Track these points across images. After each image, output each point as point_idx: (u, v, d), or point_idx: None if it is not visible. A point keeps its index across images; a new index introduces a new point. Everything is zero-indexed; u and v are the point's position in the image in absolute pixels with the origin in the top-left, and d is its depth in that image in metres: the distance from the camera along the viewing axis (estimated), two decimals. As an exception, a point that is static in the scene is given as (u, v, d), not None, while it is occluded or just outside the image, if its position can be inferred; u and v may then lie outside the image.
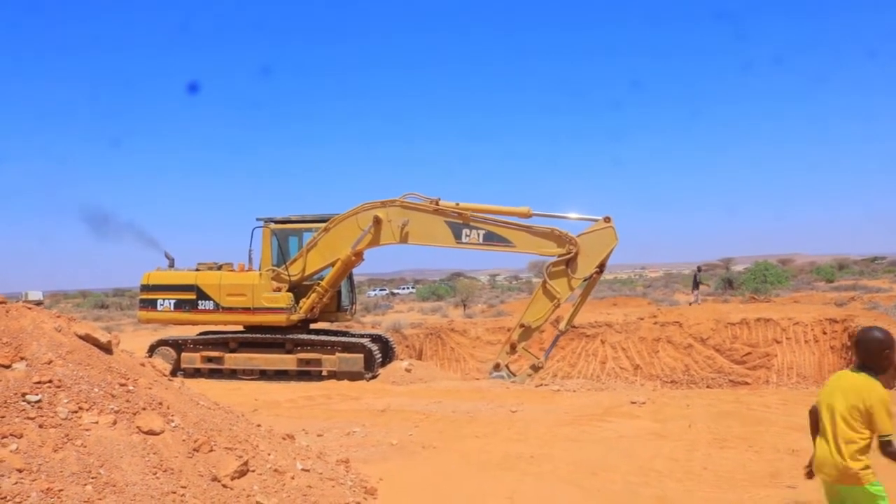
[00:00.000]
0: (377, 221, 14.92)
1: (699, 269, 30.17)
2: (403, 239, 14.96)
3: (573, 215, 14.76)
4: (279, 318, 15.57)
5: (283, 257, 15.92)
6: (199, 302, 15.85)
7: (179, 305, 15.97)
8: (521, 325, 14.86)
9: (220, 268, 16.51)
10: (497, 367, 15.05)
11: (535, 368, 14.93)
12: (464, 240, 14.64)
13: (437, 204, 14.74)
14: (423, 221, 14.91)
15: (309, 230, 16.06)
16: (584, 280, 14.70)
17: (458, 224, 14.66)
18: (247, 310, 15.69)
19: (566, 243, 14.31)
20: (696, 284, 27.72)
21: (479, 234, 14.60)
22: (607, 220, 14.24)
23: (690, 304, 26.79)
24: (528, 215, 14.61)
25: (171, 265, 16.81)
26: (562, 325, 15.56)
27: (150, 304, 16.17)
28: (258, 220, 16.19)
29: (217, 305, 15.77)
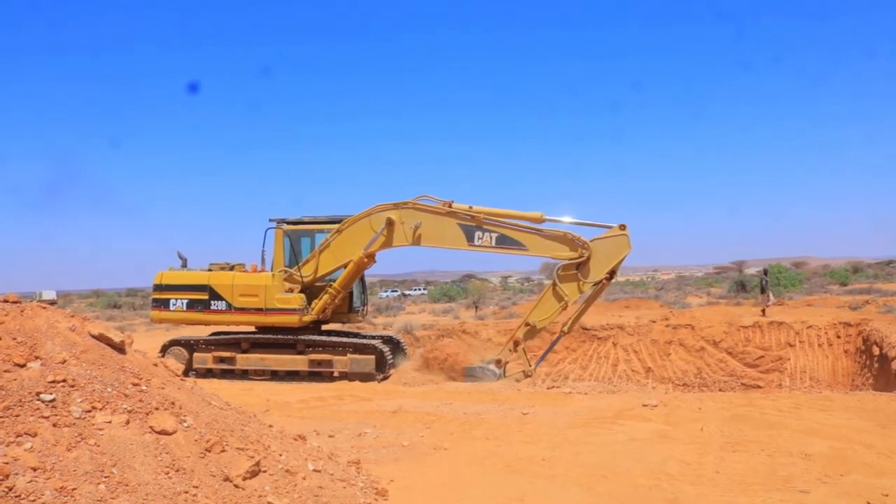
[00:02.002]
0: (390, 223, 14.99)
1: (766, 272, 27.12)
2: (416, 241, 15.01)
3: (586, 222, 14.76)
4: (291, 319, 15.62)
5: (295, 258, 15.97)
6: (212, 302, 15.91)
7: (192, 305, 16.03)
8: (527, 324, 15.02)
9: (232, 268, 16.57)
10: (498, 362, 15.16)
11: (526, 374, 15.02)
12: (476, 242, 14.72)
13: (450, 206, 14.79)
14: (435, 223, 14.97)
15: (321, 231, 16.10)
16: (594, 285, 14.71)
17: (471, 227, 14.74)
18: (259, 310, 15.73)
19: (578, 247, 14.39)
20: (763, 289, 24.86)
21: (491, 237, 14.68)
22: (622, 227, 14.31)
23: (767, 306, 24.03)
24: (540, 220, 14.68)
25: (184, 265, 16.89)
26: (564, 327, 15.65)
27: (163, 304, 16.24)
28: (271, 220, 16.28)
29: (229, 306, 15.83)
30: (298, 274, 15.66)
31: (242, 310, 15.83)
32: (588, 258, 14.33)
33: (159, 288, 16.37)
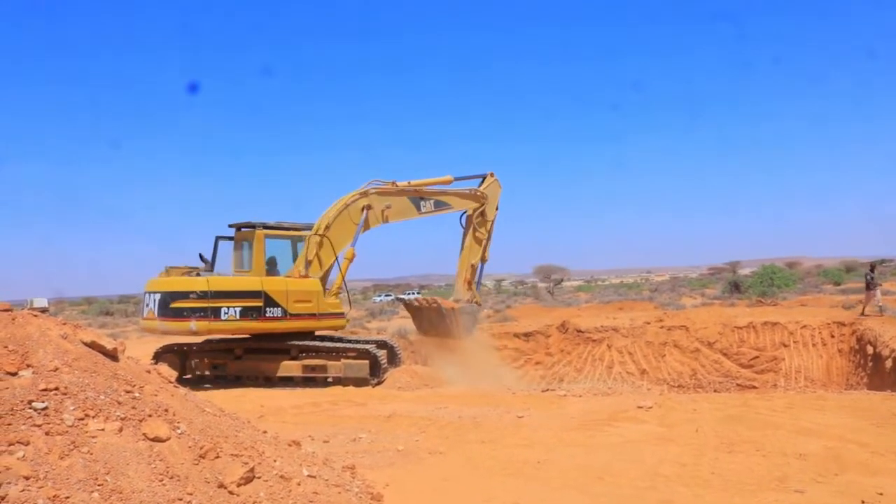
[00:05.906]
0: (369, 209, 16.70)
1: (872, 268, 23.27)
2: (385, 220, 17.25)
3: (470, 176, 19.77)
4: (341, 323, 16.56)
5: (274, 264, 16.05)
6: (268, 309, 15.19)
7: (246, 313, 15.01)
8: (472, 265, 19.65)
9: (198, 273, 15.62)
10: (469, 300, 19.52)
11: (478, 304, 20.60)
12: (422, 210, 18.06)
13: (396, 185, 17.44)
14: (398, 202, 17.60)
15: (300, 238, 16.33)
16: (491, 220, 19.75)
17: (417, 199, 17.96)
18: (312, 315, 15.78)
19: (480, 198, 19.33)
20: (869, 285, 22.12)
21: (431, 203, 18.31)
22: (492, 175, 19.74)
23: (877, 305, 21.84)
24: (450, 181, 19.00)
25: (208, 269, 15.87)
26: (484, 255, 19.98)
27: (213, 313, 14.73)
28: (230, 226, 16.27)
29: (285, 312, 15.35)
30: (305, 277, 15.77)
31: (297, 316, 15.49)
32: (486, 203, 19.31)
33: (205, 296, 14.74)
